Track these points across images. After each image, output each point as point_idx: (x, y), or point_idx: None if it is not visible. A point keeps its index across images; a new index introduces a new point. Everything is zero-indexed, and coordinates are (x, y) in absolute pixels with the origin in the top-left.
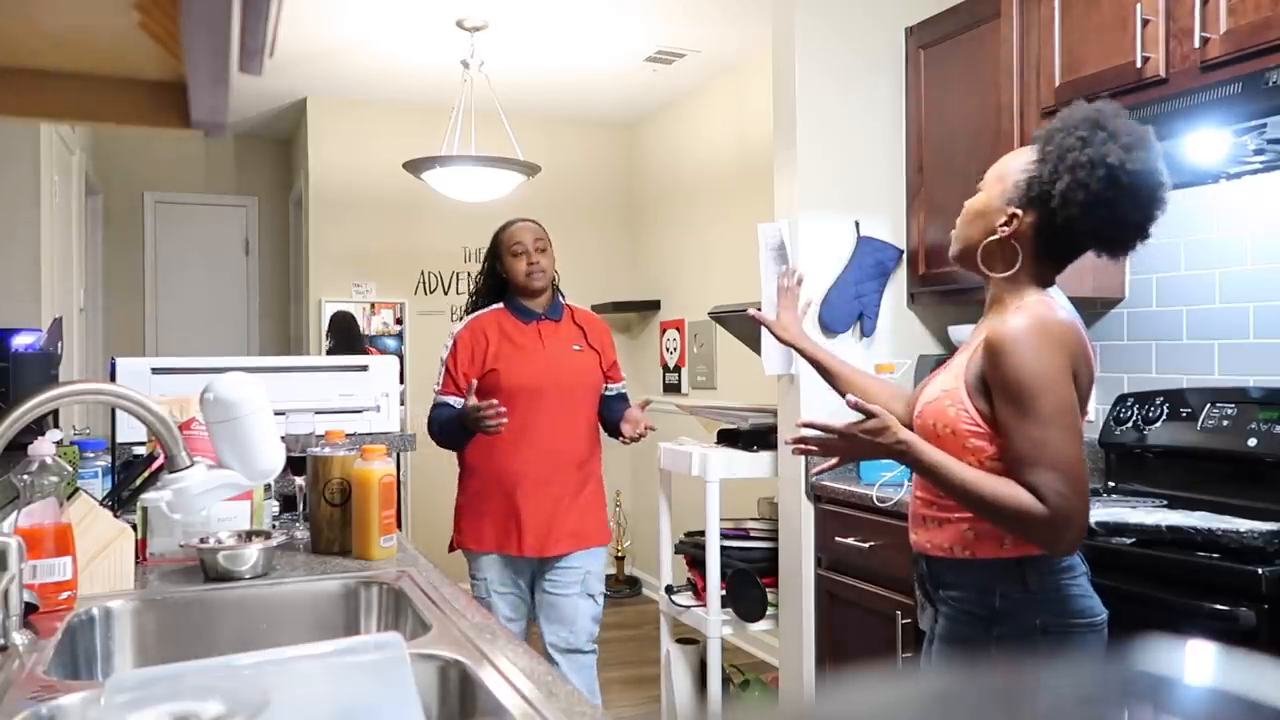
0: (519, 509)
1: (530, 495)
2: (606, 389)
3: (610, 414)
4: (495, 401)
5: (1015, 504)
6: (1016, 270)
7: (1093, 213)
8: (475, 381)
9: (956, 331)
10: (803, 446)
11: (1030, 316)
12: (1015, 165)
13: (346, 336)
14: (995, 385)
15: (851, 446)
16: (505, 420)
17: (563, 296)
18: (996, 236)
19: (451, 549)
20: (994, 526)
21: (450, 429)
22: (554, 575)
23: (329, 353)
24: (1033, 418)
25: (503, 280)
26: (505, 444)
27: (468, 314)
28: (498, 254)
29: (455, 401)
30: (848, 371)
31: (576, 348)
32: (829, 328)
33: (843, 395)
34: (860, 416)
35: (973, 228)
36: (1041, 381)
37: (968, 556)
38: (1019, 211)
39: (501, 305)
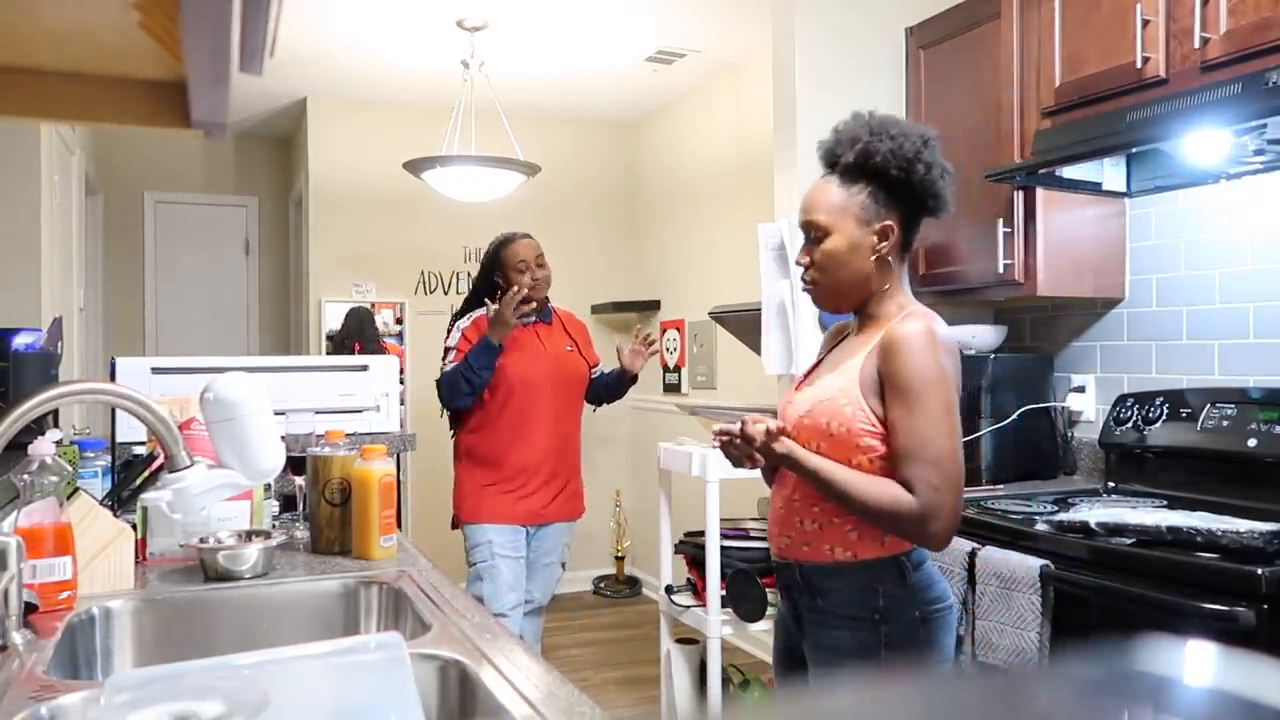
0: (521, 485)
1: (530, 474)
2: (593, 373)
3: (603, 382)
4: (515, 288)
5: (887, 499)
6: (894, 276)
7: (944, 179)
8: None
9: (956, 331)
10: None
11: (926, 322)
12: (842, 193)
13: (359, 334)
14: (888, 381)
15: (757, 453)
16: (527, 298)
17: (551, 303)
18: (877, 255)
19: (456, 525)
20: (871, 525)
21: (478, 357)
22: (539, 545)
23: (337, 347)
24: (919, 414)
25: (498, 287)
26: (509, 432)
27: (460, 315)
28: (500, 268)
29: None
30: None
31: (569, 348)
32: (828, 328)
33: None
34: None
35: (852, 264)
36: (932, 382)
37: (849, 559)
38: (889, 222)
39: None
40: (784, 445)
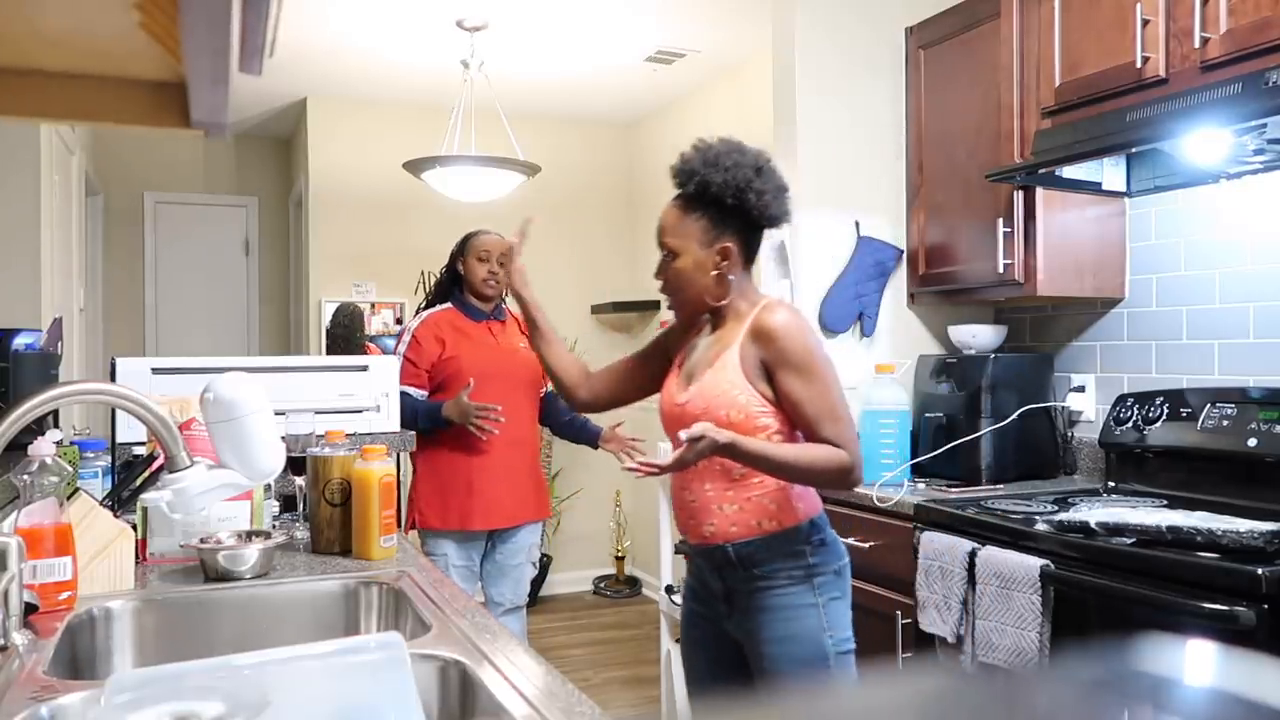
0: (481, 487)
1: (490, 474)
2: (547, 389)
3: (560, 414)
4: (499, 407)
5: (827, 458)
6: (736, 284)
7: (779, 199)
8: (472, 382)
9: (956, 331)
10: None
11: (788, 309)
12: (685, 219)
13: (346, 334)
14: (780, 364)
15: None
16: (500, 425)
17: (505, 303)
18: (718, 272)
19: (410, 529)
20: (802, 487)
21: (424, 417)
22: (505, 548)
23: (331, 342)
24: (818, 383)
25: (458, 278)
26: (466, 428)
27: (423, 309)
28: (463, 254)
29: (416, 392)
30: (551, 336)
31: (522, 345)
32: (829, 327)
33: (540, 351)
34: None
35: (696, 281)
36: (818, 355)
37: (775, 528)
38: (728, 244)
39: (450, 305)
40: (725, 435)
